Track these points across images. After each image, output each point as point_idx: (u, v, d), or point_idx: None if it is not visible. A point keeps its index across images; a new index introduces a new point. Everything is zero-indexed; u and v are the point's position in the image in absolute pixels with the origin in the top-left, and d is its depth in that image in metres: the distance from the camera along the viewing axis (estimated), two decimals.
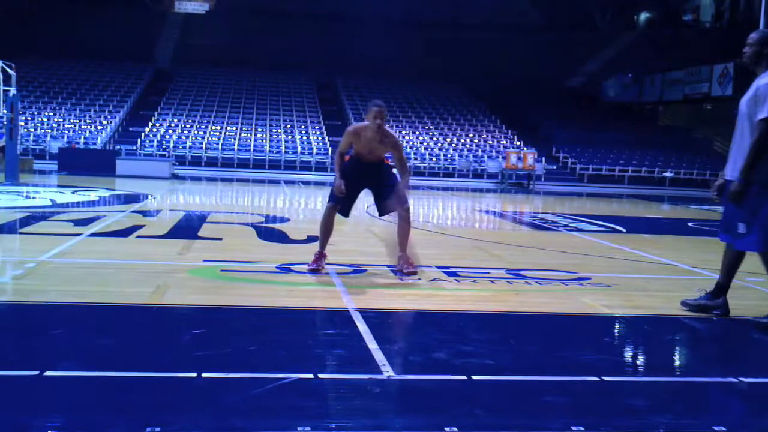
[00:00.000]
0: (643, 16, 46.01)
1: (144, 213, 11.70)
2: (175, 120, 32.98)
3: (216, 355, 3.96)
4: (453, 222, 13.41)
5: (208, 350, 4.03)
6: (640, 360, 4.46)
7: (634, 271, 7.40)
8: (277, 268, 6.68)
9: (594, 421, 3.20)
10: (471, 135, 34.52)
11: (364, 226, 10.38)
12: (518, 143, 33.24)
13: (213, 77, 38.27)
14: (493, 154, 32.11)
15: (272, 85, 38.03)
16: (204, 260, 6.95)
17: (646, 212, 17.94)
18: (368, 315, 4.92)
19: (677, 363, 4.47)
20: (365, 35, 39.24)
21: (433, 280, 6.38)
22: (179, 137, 31.02)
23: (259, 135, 32.04)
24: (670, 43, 39.06)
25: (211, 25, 42.91)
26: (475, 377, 3.74)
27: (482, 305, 5.53)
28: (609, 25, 44.36)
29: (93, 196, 14.80)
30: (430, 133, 34.09)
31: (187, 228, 9.96)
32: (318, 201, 16.53)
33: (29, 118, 30.50)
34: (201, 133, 31.77)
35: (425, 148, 32.22)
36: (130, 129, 32.06)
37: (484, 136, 34.58)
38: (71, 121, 31.56)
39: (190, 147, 30.24)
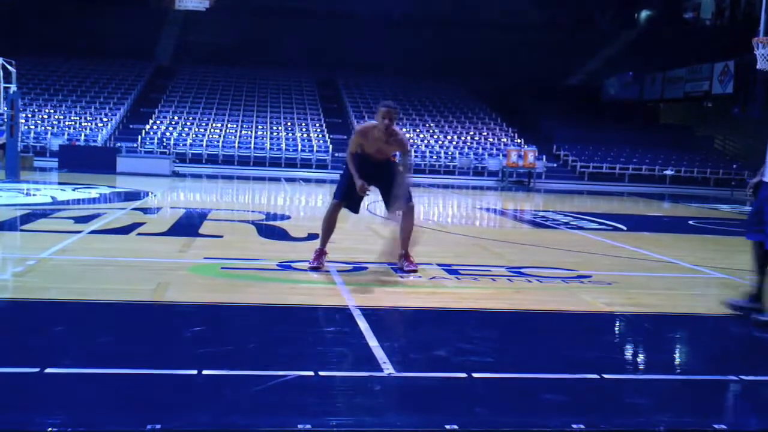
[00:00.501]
0: (644, 14, 45.96)
1: (145, 210, 11.70)
2: (176, 117, 32.98)
3: (217, 352, 3.96)
4: (454, 220, 13.41)
5: (208, 347, 4.03)
6: (641, 358, 4.46)
7: (634, 269, 7.39)
8: (277, 265, 6.68)
9: (594, 418, 3.20)
10: (472, 133, 34.51)
11: (365, 224, 10.37)
12: (519, 141, 33.23)
13: (214, 74, 38.25)
14: (494, 151, 32.10)
15: (273, 82, 38.02)
16: (205, 258, 6.95)
17: (647, 210, 17.93)
18: (369, 312, 4.92)
19: (678, 361, 4.47)
20: (366, 33, 39.21)
21: (433, 277, 6.38)
22: (180, 135, 31.01)
23: (259, 132, 32.04)
24: (670, 42, 38.99)
25: (211, 22, 42.88)
26: (475, 375, 3.74)
27: (483, 303, 5.53)
28: (610, 24, 44.32)
29: (94, 193, 14.80)
30: (431, 131, 34.08)
31: (188, 225, 9.96)
32: (319, 198, 16.53)
33: (30, 116, 30.50)
34: (202, 130, 31.77)
35: (426, 146, 32.21)
36: (131, 126, 32.06)
37: (485, 133, 34.57)
38: (72, 118, 31.55)
39: (190, 144, 30.23)
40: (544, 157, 30.88)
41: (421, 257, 6.84)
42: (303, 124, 33.50)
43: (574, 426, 3.09)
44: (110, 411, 3.08)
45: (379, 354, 3.99)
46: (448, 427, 3.03)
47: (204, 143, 30.47)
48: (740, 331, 5.14)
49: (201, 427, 2.94)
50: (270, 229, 9.90)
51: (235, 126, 32.44)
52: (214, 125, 32.41)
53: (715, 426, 3.17)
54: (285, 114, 34.50)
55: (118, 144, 28.73)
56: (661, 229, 12.83)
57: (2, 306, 4.97)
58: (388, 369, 3.74)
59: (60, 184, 17.25)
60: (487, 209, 15.99)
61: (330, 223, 6.63)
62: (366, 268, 6.73)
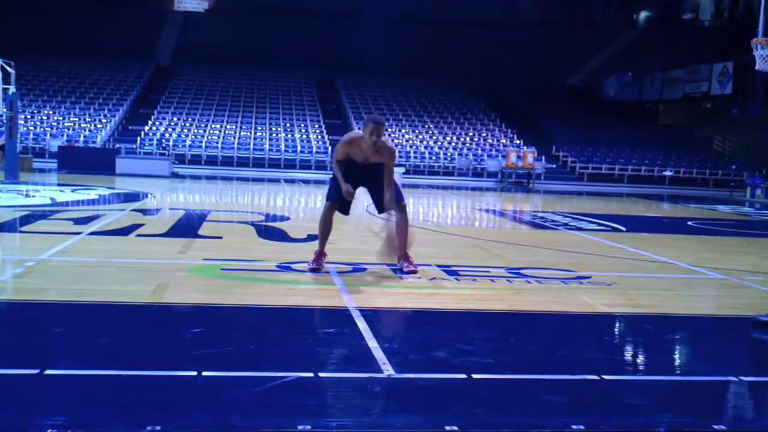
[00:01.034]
0: (643, 14, 45.98)
1: (144, 212, 11.69)
2: (175, 118, 32.97)
3: (216, 353, 3.96)
4: (453, 221, 13.41)
5: (208, 349, 4.03)
6: (640, 359, 4.47)
7: (634, 270, 7.40)
8: (277, 266, 6.68)
9: (594, 419, 3.20)
10: (471, 133, 34.51)
11: (364, 225, 10.38)
12: (518, 142, 33.24)
13: (213, 75, 38.25)
14: (493, 152, 32.11)
15: (272, 83, 38.02)
16: (204, 259, 6.95)
17: (646, 211, 17.94)
18: (368, 314, 4.92)
19: (677, 362, 4.47)
20: (365, 33, 39.21)
21: (433, 278, 6.38)
22: (179, 136, 31.01)
23: (258, 133, 32.04)
24: (670, 42, 39.01)
25: (210, 23, 42.87)
26: (475, 376, 3.74)
27: (482, 304, 5.53)
28: (609, 24, 44.32)
29: (93, 194, 14.79)
30: (430, 132, 34.09)
31: (187, 227, 9.96)
32: (318, 199, 16.53)
33: (29, 117, 30.48)
34: (201, 131, 31.77)
35: (425, 147, 32.22)
36: (130, 127, 32.05)
37: (484, 134, 34.58)
38: (71, 119, 31.55)
39: (189, 145, 30.23)
40: (543, 158, 30.88)
41: (420, 258, 6.84)
42: (302, 125, 33.50)
43: (574, 427, 3.09)
44: (110, 412, 3.08)
45: (379, 355, 3.99)
46: (448, 428, 3.03)
47: (203, 144, 30.47)
48: (739, 332, 5.14)
49: (201, 428, 2.94)
50: (269, 230, 9.90)
51: (234, 127, 32.44)
52: (213, 126, 32.41)
53: (715, 427, 3.17)
54: (284, 115, 34.50)
55: (118, 145, 28.74)
56: (661, 230, 12.84)
57: (2, 307, 4.97)
58: (387, 370, 3.74)
59: (59, 185, 17.25)
60: (487, 210, 15.99)
61: (326, 225, 6.64)
62: (365, 269, 6.73)
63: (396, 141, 32.18)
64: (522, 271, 6.91)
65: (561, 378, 3.79)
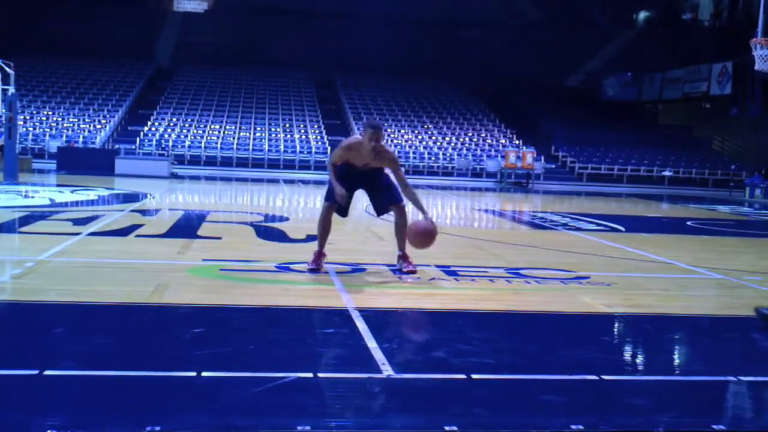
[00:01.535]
0: (642, 14, 45.99)
1: (143, 212, 11.69)
2: (174, 119, 32.97)
3: (215, 354, 3.96)
4: (452, 221, 13.41)
5: (207, 349, 4.03)
6: (640, 359, 4.47)
7: (633, 270, 7.40)
8: (276, 267, 6.68)
9: (593, 420, 3.20)
10: (470, 134, 34.52)
11: (364, 225, 10.38)
12: (517, 142, 33.24)
13: (212, 76, 38.25)
14: (492, 153, 32.11)
15: (271, 83, 38.02)
16: (203, 259, 6.95)
17: (646, 211, 17.95)
18: (367, 314, 4.92)
19: (676, 362, 4.47)
20: (364, 34, 39.23)
21: (432, 279, 6.39)
22: (178, 136, 31.01)
23: (258, 134, 32.04)
24: (669, 42, 39.05)
25: (210, 23, 42.88)
26: (474, 376, 3.74)
27: (481, 304, 5.53)
28: (608, 24, 44.33)
29: (92, 195, 14.79)
30: (429, 132, 34.09)
31: (186, 227, 9.96)
32: (317, 200, 16.52)
33: (28, 117, 30.47)
34: (200, 132, 31.77)
35: (424, 147, 32.22)
36: (129, 128, 32.05)
37: (483, 135, 34.58)
38: (70, 120, 31.55)
39: (189, 146, 30.23)
40: (542, 158, 30.89)
41: (419, 258, 6.84)
42: (301, 126, 33.50)
43: (573, 427, 3.09)
44: (109, 413, 3.08)
45: (378, 355, 3.99)
46: (447, 428, 3.03)
47: (202, 145, 30.47)
48: (738, 332, 5.14)
49: (200, 429, 2.94)
50: (268, 231, 9.90)
51: (233, 127, 32.44)
52: (212, 127, 32.41)
53: (714, 426, 3.17)
54: (283, 115, 34.50)
55: (117, 146, 28.74)
56: (660, 230, 12.84)
57: (1, 308, 4.97)
58: (387, 370, 3.74)
59: (58, 186, 17.25)
60: (486, 210, 16.00)
61: (325, 226, 6.64)
62: (365, 269, 6.73)
63: (395, 141, 32.18)
64: (521, 272, 6.91)
65: (560, 378, 3.79)
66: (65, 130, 30.33)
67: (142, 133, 30.71)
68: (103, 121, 31.62)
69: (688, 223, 14.14)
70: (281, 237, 9.18)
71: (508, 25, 42.05)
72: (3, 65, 17.89)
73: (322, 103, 36.59)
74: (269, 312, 5.02)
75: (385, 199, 6.64)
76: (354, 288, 5.82)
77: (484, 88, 39.25)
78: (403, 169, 6.84)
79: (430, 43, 41.12)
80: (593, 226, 12.09)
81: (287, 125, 33.36)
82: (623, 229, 12.00)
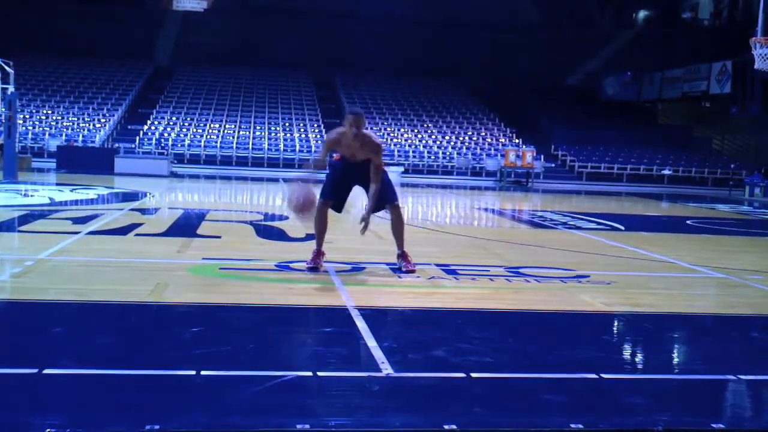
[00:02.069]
0: (642, 14, 45.99)
1: (142, 211, 11.69)
2: (174, 118, 32.96)
3: (215, 352, 3.96)
4: (452, 220, 13.41)
5: (207, 348, 4.03)
6: (639, 358, 4.47)
7: (632, 269, 7.40)
8: (275, 266, 6.68)
9: (593, 418, 3.20)
10: (470, 133, 34.51)
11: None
12: (517, 141, 33.24)
13: (211, 75, 38.23)
14: (492, 152, 32.11)
15: (271, 83, 38.01)
16: (203, 258, 6.95)
17: (645, 210, 17.94)
18: (367, 313, 4.92)
19: (676, 361, 4.47)
20: (364, 33, 39.21)
21: (431, 277, 6.38)
22: (178, 135, 31.00)
23: (257, 133, 32.03)
24: (668, 42, 39.05)
25: (209, 23, 42.84)
26: (474, 375, 3.74)
27: (481, 303, 5.53)
28: (608, 23, 44.33)
29: (91, 194, 14.79)
30: (429, 131, 34.08)
31: (186, 226, 9.96)
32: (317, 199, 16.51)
33: (27, 116, 30.45)
34: (199, 131, 31.76)
35: (424, 146, 32.22)
36: (129, 127, 32.05)
37: (483, 134, 34.58)
38: (69, 119, 31.53)
39: (188, 145, 30.22)
40: (542, 157, 30.88)
41: (419, 257, 6.84)
42: (301, 125, 33.49)
43: (573, 426, 3.09)
44: (109, 411, 3.08)
45: (378, 354, 3.98)
46: (446, 427, 3.03)
47: (202, 144, 30.46)
48: (739, 331, 5.14)
49: (200, 428, 2.94)
50: (268, 230, 9.90)
51: (233, 126, 32.43)
52: (212, 126, 32.40)
53: (714, 425, 3.17)
54: (283, 114, 34.49)
55: (116, 145, 28.73)
56: (660, 229, 12.84)
57: (1, 307, 4.96)
58: (386, 369, 3.74)
59: (58, 184, 17.24)
60: (486, 209, 15.99)
61: (321, 223, 6.63)
62: (364, 268, 6.73)
63: (395, 140, 32.18)
64: (521, 270, 6.91)
65: (560, 377, 3.79)
66: (65, 129, 30.33)
67: (141, 132, 30.70)
68: (103, 120, 31.61)
69: (688, 222, 14.14)
70: (281, 236, 9.18)
71: (508, 25, 42.02)
72: (2, 64, 17.88)
73: (321, 103, 36.58)
74: (269, 311, 5.02)
75: (379, 198, 6.63)
76: (353, 287, 5.82)
77: (484, 88, 39.23)
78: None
79: (430, 42, 41.09)
80: (593, 225, 12.09)
81: (287, 124, 33.36)
82: (623, 228, 11.99)
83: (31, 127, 29.77)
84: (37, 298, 5.09)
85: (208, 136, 31.21)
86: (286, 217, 12.02)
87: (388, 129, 33.26)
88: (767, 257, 9.14)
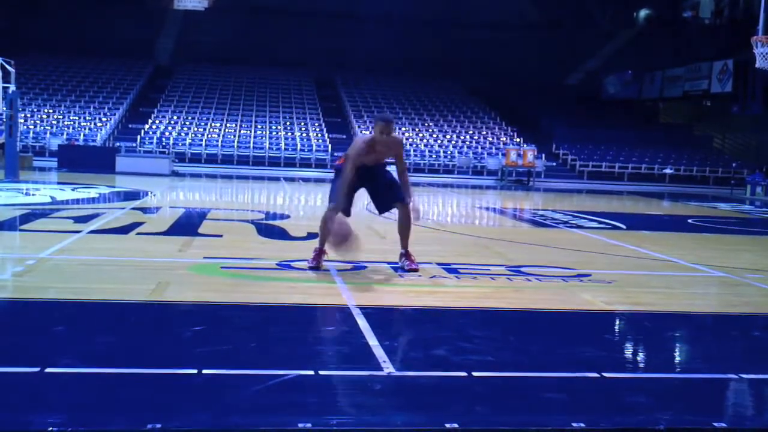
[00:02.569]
0: (643, 13, 45.93)
1: (144, 210, 11.69)
2: (175, 117, 32.96)
3: (216, 351, 3.96)
4: (453, 219, 13.41)
5: (208, 347, 4.03)
6: (641, 356, 4.47)
7: (634, 268, 7.40)
8: (277, 265, 6.69)
9: (594, 417, 3.20)
10: (471, 132, 34.50)
11: (364, 223, 10.36)
12: (518, 140, 33.22)
13: (213, 74, 38.23)
14: (493, 151, 32.10)
15: (272, 82, 38.01)
16: (204, 257, 6.95)
17: (647, 209, 17.94)
18: (368, 312, 4.92)
19: (678, 359, 4.47)
20: (365, 32, 39.19)
21: (433, 276, 6.38)
22: (179, 134, 31.00)
23: (258, 132, 32.03)
24: (669, 40, 38.98)
25: (210, 22, 42.83)
26: (475, 374, 3.74)
27: (482, 302, 5.53)
28: (609, 22, 44.29)
29: (93, 193, 14.79)
30: (430, 130, 34.07)
31: (187, 225, 9.96)
32: (318, 198, 16.53)
33: (29, 115, 30.46)
34: (201, 130, 31.76)
35: (425, 145, 32.21)
36: (130, 126, 32.05)
37: (484, 132, 34.57)
38: (71, 118, 31.53)
39: (189, 144, 30.22)
40: (543, 156, 30.87)
41: (420, 256, 6.84)
42: (302, 124, 33.49)
43: (575, 425, 3.09)
44: (110, 410, 3.08)
45: (379, 353, 3.99)
46: (448, 425, 3.03)
47: (203, 143, 30.46)
48: (740, 330, 5.14)
49: (201, 427, 2.94)
50: (269, 229, 9.90)
51: (234, 125, 32.43)
52: (213, 125, 32.40)
53: (715, 424, 3.17)
54: (284, 113, 34.49)
55: (117, 144, 28.71)
56: (661, 228, 12.83)
57: (2, 306, 4.97)
58: (388, 368, 3.74)
59: (59, 183, 17.24)
60: (487, 208, 15.99)
61: (328, 227, 6.60)
62: (366, 267, 6.73)
63: None
64: (522, 269, 6.91)
65: (561, 376, 3.79)
66: (66, 128, 30.33)
67: (142, 131, 30.70)
68: (104, 119, 31.61)
69: (689, 220, 14.14)
70: (282, 235, 9.18)
71: (509, 24, 42.00)
72: (4, 63, 17.89)
73: (322, 101, 36.58)
74: (270, 310, 5.02)
75: (388, 197, 6.64)
76: (355, 286, 5.82)
77: (485, 87, 39.21)
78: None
79: (431, 41, 41.07)
80: (594, 224, 12.09)
81: (288, 123, 33.35)
82: (624, 226, 11.99)
83: (32, 126, 29.78)
84: (39, 297, 5.09)
85: (210, 135, 31.21)
86: (288, 216, 12.03)
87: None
88: None
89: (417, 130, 33.88)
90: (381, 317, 4.92)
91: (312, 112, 35.08)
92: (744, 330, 5.12)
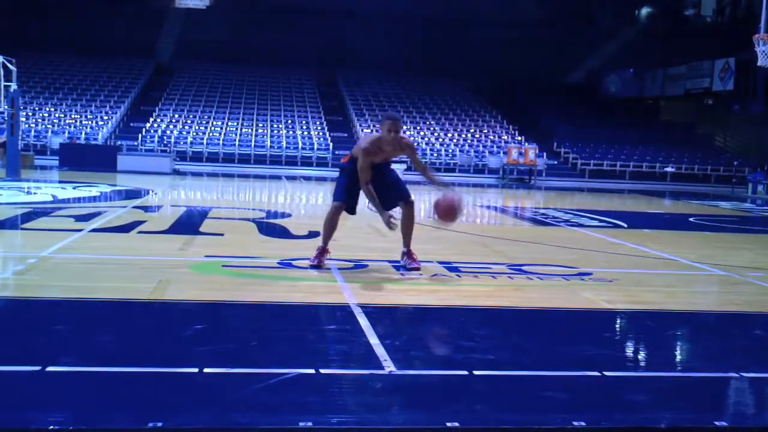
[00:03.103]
0: (644, 11, 45.89)
1: (145, 208, 11.70)
2: (176, 115, 32.98)
3: (217, 350, 3.96)
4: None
5: (209, 345, 4.04)
6: (642, 355, 4.46)
7: (635, 266, 7.39)
8: (278, 263, 6.69)
9: (595, 416, 3.20)
10: (472, 130, 34.49)
11: (366, 222, 10.36)
12: (519, 138, 33.22)
13: (214, 73, 38.24)
14: (495, 149, 32.09)
15: (273, 80, 38.00)
16: (206, 256, 6.95)
17: (648, 207, 17.93)
18: (370, 310, 4.92)
19: (678, 358, 4.47)
20: (366, 31, 39.19)
21: (434, 275, 6.38)
22: (180, 133, 31.02)
23: (260, 130, 32.04)
24: (671, 39, 38.95)
25: (212, 20, 42.80)
26: (476, 372, 3.74)
27: (483, 300, 5.53)
28: (610, 21, 44.23)
29: (94, 191, 14.80)
30: (432, 129, 34.07)
31: (189, 224, 9.96)
32: (319, 196, 16.53)
33: (30, 114, 30.49)
34: (202, 128, 31.77)
35: (426, 144, 32.21)
36: (131, 124, 32.07)
37: (486, 131, 34.56)
38: (72, 116, 31.56)
39: (191, 142, 30.24)
40: (544, 154, 30.88)
41: (421, 255, 6.84)
42: (303, 122, 33.49)
43: (575, 423, 3.09)
44: (112, 409, 3.08)
45: (380, 351, 3.99)
46: (449, 424, 3.03)
47: (204, 141, 30.48)
48: (741, 328, 5.14)
49: (202, 425, 2.95)
50: (271, 227, 9.91)
51: (235, 124, 32.44)
52: (214, 123, 32.41)
53: (716, 423, 3.17)
54: (285, 112, 34.49)
55: (119, 142, 28.76)
56: (662, 227, 12.83)
57: (3, 304, 4.97)
58: (389, 366, 3.74)
59: (60, 182, 17.26)
60: (488, 207, 15.99)
61: (332, 225, 6.60)
62: (367, 265, 6.73)
63: None
64: (523, 268, 6.90)
65: (562, 374, 3.79)
66: (67, 127, 30.35)
67: (144, 130, 30.72)
68: (105, 118, 31.63)
69: (691, 219, 14.13)
70: (283, 233, 9.19)
71: (511, 22, 41.94)
72: (5, 62, 17.89)
73: (324, 100, 36.58)
74: (271, 308, 5.03)
75: (393, 195, 6.62)
76: (356, 284, 5.83)
77: (486, 85, 39.21)
78: (406, 164, 6.90)
79: (432, 40, 41.05)
80: (595, 223, 12.08)
81: (289, 121, 33.36)
82: (625, 225, 11.99)
83: (33, 125, 29.81)
84: (40, 296, 5.09)
85: (211, 134, 31.22)
86: (289, 215, 12.03)
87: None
88: None
89: (418, 128, 33.88)
90: (382, 316, 4.92)
91: (313, 111, 35.07)
92: (745, 328, 5.12)
